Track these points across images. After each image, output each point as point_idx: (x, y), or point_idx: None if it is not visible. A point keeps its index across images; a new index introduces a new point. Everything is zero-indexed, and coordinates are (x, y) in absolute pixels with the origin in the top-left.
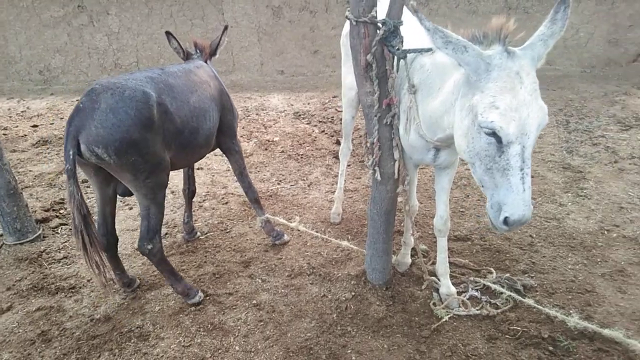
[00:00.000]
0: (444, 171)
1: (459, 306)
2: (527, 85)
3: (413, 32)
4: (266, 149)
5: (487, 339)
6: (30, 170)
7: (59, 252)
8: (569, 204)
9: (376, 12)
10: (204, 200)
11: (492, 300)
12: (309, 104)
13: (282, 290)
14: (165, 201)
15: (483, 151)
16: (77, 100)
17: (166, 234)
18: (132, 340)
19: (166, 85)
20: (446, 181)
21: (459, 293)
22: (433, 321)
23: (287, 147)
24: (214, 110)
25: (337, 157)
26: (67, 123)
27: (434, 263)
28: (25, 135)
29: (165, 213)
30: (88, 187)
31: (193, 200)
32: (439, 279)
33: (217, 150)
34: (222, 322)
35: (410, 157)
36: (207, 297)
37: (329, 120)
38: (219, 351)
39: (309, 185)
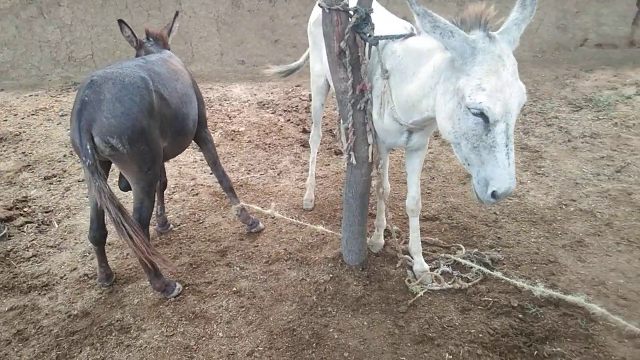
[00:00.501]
0: (415, 153)
1: (433, 281)
2: (508, 67)
3: (381, 21)
4: (232, 139)
5: (461, 310)
6: None
7: (27, 251)
8: (529, 181)
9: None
10: (173, 193)
11: (463, 275)
12: (272, 93)
13: (261, 277)
14: None
15: (470, 131)
16: (30, 95)
17: None
18: (113, 334)
19: (154, 73)
20: (417, 163)
21: (431, 269)
22: (409, 297)
23: (254, 136)
24: (194, 97)
25: (304, 146)
26: (75, 119)
27: (406, 242)
28: None
29: None
30: (81, 182)
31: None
32: (412, 257)
33: None
34: (203, 310)
35: (384, 141)
36: (186, 287)
37: (294, 109)
38: (203, 338)
39: (278, 174)
